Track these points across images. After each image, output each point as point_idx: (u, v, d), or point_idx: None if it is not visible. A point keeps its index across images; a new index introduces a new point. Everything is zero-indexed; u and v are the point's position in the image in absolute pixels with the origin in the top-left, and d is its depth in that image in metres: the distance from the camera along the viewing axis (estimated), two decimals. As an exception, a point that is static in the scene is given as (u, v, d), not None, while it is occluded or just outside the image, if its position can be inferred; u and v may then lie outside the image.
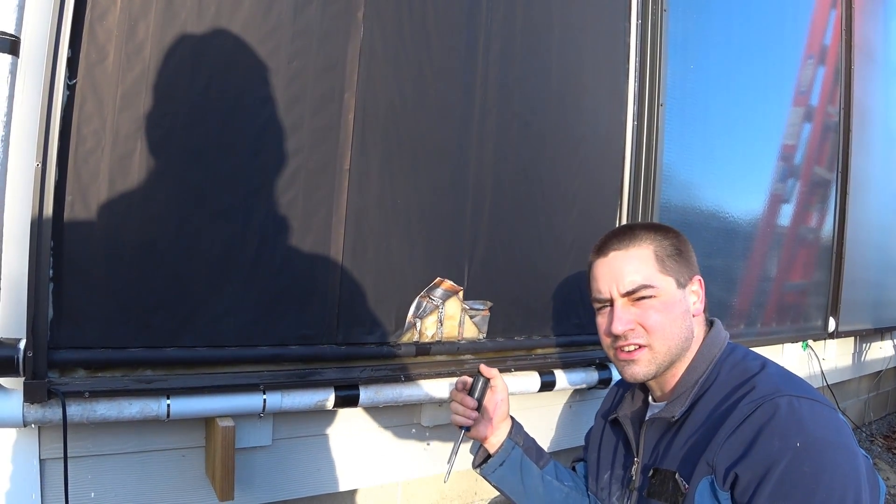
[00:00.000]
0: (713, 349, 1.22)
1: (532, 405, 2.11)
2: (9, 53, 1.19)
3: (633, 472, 1.25)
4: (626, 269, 1.21)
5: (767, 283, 3.03)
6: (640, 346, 1.20)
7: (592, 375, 2.12)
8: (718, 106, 2.71)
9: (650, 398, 1.31)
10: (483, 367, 1.36)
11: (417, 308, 1.74)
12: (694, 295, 1.26)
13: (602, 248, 1.26)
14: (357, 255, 1.62)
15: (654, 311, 1.18)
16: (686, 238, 1.29)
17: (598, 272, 1.26)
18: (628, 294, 1.20)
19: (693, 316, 1.24)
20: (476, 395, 1.34)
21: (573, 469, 1.52)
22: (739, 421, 1.05)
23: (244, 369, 1.47)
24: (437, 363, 1.78)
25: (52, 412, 1.24)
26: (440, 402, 1.83)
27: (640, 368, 1.20)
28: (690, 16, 2.50)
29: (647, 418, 1.28)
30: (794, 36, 3.24)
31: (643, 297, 1.19)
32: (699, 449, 1.10)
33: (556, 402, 2.23)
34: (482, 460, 1.40)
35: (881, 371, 4.53)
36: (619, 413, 1.34)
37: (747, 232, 2.90)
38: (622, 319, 1.19)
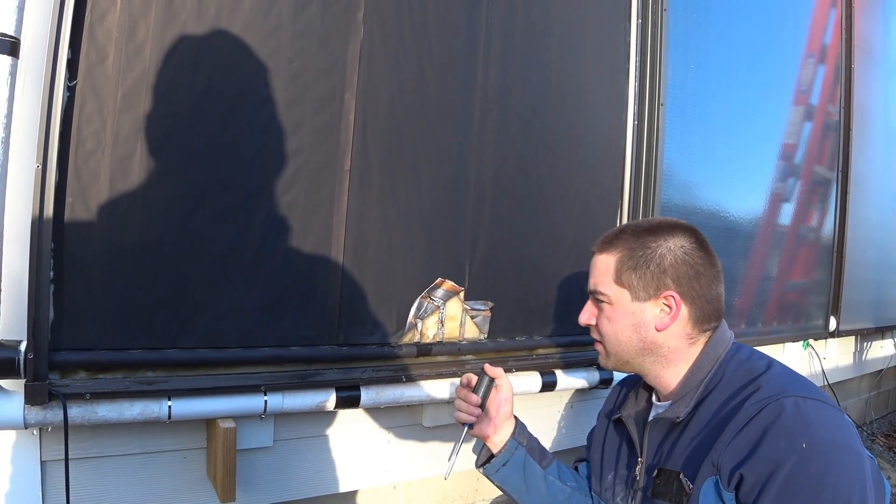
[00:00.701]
0: (718, 349, 1.21)
1: (533, 405, 2.11)
2: (9, 55, 1.19)
3: (637, 473, 1.25)
4: (593, 271, 1.30)
5: (768, 283, 3.03)
6: (599, 343, 1.32)
7: (594, 375, 2.11)
8: (719, 105, 2.71)
9: (654, 398, 1.31)
10: (488, 367, 1.37)
11: (418, 309, 1.74)
12: (659, 309, 1.22)
13: (595, 244, 1.33)
14: (358, 255, 1.62)
15: (604, 316, 1.27)
16: (677, 252, 1.21)
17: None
18: (591, 293, 1.30)
19: (657, 330, 1.21)
20: (480, 393, 1.34)
21: (575, 469, 1.52)
22: (744, 421, 1.05)
23: (245, 370, 1.47)
24: (438, 364, 1.78)
25: (53, 414, 1.24)
26: (442, 403, 1.83)
27: (601, 360, 1.33)
28: (691, 15, 2.50)
29: (650, 418, 1.27)
30: (794, 35, 3.23)
31: (598, 301, 1.28)
32: (704, 449, 1.09)
33: (557, 402, 2.23)
34: (485, 460, 1.39)
35: (882, 370, 4.52)
36: (623, 413, 1.34)
37: (748, 231, 2.89)
38: (585, 313, 1.32)
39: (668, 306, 1.21)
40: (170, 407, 1.35)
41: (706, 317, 1.23)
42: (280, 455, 1.63)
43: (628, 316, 1.23)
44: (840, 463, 0.98)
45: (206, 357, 1.42)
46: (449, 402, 1.81)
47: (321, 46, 1.55)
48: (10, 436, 1.29)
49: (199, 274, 1.40)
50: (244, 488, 1.55)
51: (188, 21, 1.37)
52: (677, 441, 1.17)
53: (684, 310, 1.21)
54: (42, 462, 1.32)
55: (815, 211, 3.36)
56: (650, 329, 1.22)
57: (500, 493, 1.45)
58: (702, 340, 1.24)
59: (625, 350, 1.25)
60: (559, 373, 2.01)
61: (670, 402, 1.23)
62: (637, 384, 1.37)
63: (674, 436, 1.18)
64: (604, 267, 1.26)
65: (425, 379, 1.73)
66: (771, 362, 1.17)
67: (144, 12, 1.32)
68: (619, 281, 1.23)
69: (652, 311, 1.22)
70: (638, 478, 1.24)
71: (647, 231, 1.25)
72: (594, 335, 1.32)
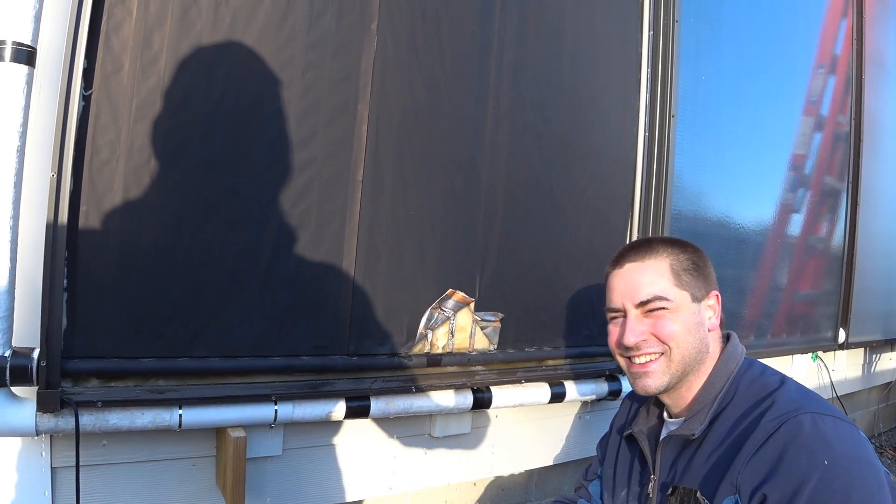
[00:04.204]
0: (730, 364, 1.21)
1: (542, 416, 2.10)
2: (25, 64, 1.20)
3: (651, 490, 1.23)
4: (641, 280, 1.21)
5: (777, 294, 3.02)
6: (656, 357, 1.20)
7: (603, 387, 2.10)
8: (729, 116, 2.70)
9: (665, 414, 1.30)
10: None
11: (429, 319, 1.74)
12: (710, 310, 1.25)
13: (619, 260, 1.27)
14: (369, 265, 1.62)
15: (668, 321, 1.19)
16: (704, 254, 1.28)
17: (614, 283, 1.26)
18: (642, 305, 1.20)
19: (708, 331, 1.23)
20: None
21: (581, 487, 1.51)
22: (763, 439, 1.04)
23: (256, 380, 1.47)
24: (448, 374, 1.77)
25: (65, 421, 1.25)
26: (451, 413, 1.83)
27: (653, 381, 1.20)
28: (702, 27, 2.50)
29: (663, 436, 1.26)
30: (804, 46, 3.23)
31: (656, 309, 1.19)
32: (721, 468, 1.08)
33: (566, 413, 2.22)
34: None
35: (891, 382, 4.49)
36: (635, 429, 1.32)
37: (757, 241, 2.88)
38: (635, 331, 1.20)
39: (713, 307, 1.25)
40: (180, 415, 1.35)
41: (723, 321, 1.27)
42: (289, 464, 1.62)
43: (691, 316, 1.20)
44: (862, 478, 0.98)
45: (217, 366, 1.42)
46: (458, 412, 1.81)
47: (335, 57, 1.55)
48: (21, 442, 1.29)
49: (211, 283, 1.40)
50: (253, 497, 1.55)
51: (203, 32, 1.38)
52: (692, 458, 1.15)
53: (719, 310, 1.26)
54: (52, 468, 1.32)
55: (824, 222, 3.34)
56: (705, 331, 1.23)
57: (505, 500, 1.44)
58: (721, 345, 1.25)
59: (689, 353, 1.19)
60: (568, 384, 2.00)
61: (683, 419, 1.22)
62: (648, 399, 1.36)
63: (689, 453, 1.17)
64: (656, 273, 1.21)
65: (435, 389, 1.73)
66: (784, 378, 1.17)
67: (160, 23, 1.33)
68: (679, 283, 1.21)
69: (706, 312, 1.24)
70: (651, 495, 1.23)
71: (670, 240, 1.28)
72: (649, 351, 1.20)
